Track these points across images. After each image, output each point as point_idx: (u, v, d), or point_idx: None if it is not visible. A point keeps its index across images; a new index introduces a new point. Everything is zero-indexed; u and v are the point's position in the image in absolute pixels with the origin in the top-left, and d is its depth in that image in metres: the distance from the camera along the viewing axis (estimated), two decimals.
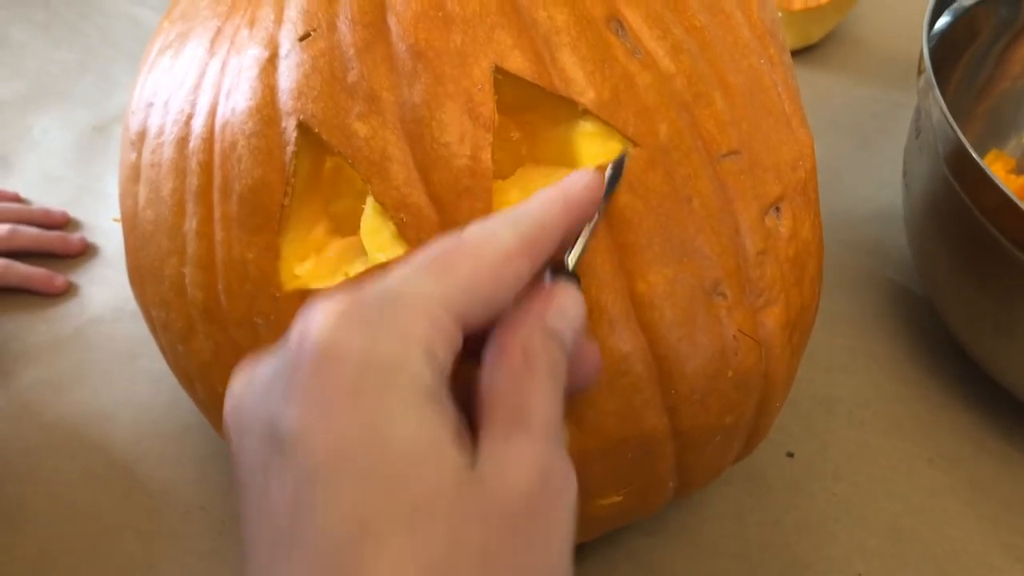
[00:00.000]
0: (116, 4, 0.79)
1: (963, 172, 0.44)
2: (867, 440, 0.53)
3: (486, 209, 0.31)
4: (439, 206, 0.31)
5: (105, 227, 0.63)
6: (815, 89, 0.73)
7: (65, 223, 0.62)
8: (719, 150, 0.33)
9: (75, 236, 0.61)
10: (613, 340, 0.32)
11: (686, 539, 0.48)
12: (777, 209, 0.35)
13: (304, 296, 0.32)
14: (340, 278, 0.32)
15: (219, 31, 0.36)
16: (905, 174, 0.53)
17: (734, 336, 0.34)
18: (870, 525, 0.49)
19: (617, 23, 0.32)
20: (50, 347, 0.56)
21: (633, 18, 0.32)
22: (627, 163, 0.31)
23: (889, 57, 0.76)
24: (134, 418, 0.53)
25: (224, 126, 0.33)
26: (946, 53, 0.52)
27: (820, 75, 0.74)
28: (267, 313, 0.33)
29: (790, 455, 0.52)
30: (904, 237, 0.57)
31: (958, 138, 0.44)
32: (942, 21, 0.53)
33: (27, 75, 0.73)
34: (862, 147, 0.69)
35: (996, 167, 0.60)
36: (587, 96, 0.31)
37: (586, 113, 0.31)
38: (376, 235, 0.32)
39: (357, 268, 0.32)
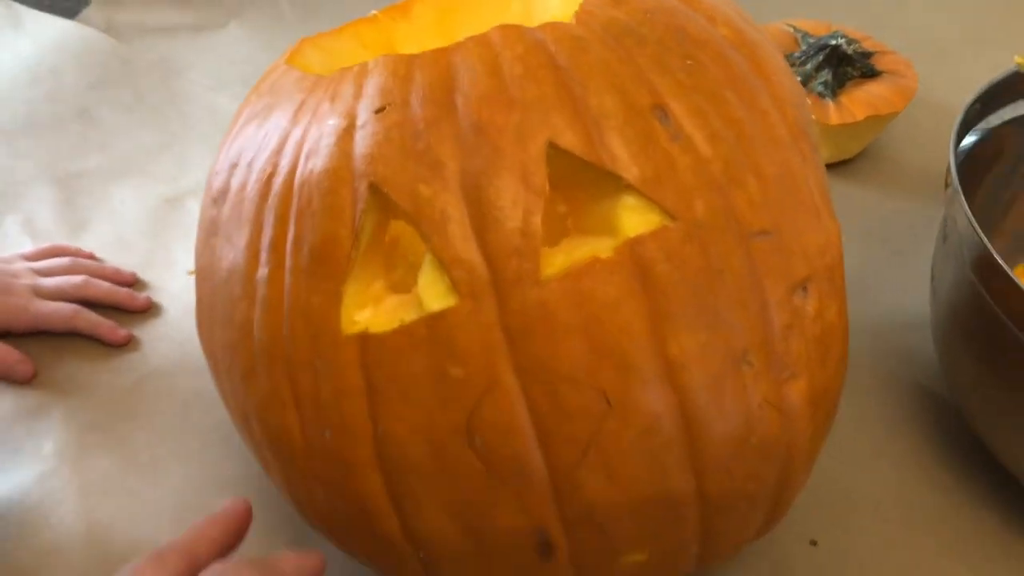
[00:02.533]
0: (197, 92, 0.85)
1: (988, 276, 0.47)
2: (891, 535, 0.53)
3: (534, 269, 0.34)
4: (491, 263, 0.34)
5: (170, 290, 0.67)
6: (851, 201, 0.76)
7: (133, 282, 0.67)
8: (751, 229, 0.36)
9: (141, 295, 0.65)
10: (646, 399, 0.35)
11: None
12: (804, 289, 0.38)
13: (362, 340, 0.35)
14: (396, 324, 0.35)
15: (303, 103, 0.40)
16: (933, 279, 0.56)
17: (759, 404, 0.37)
18: None
19: (661, 111, 0.35)
20: (109, 393, 0.60)
21: (676, 107, 0.36)
22: (666, 235, 0.34)
23: (921, 173, 0.79)
24: (183, 463, 0.55)
25: (302, 185, 0.37)
26: (972, 170, 0.54)
27: (855, 188, 0.77)
28: (327, 354, 0.36)
29: (814, 543, 0.53)
30: (931, 343, 0.59)
31: (983, 243, 0.46)
32: (968, 139, 0.56)
33: (111, 151, 0.79)
34: (893, 258, 0.71)
35: None
36: (631, 172, 0.34)
37: (629, 188, 0.35)
38: (432, 288, 0.35)
39: (412, 316, 0.35)
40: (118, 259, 0.69)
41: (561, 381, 0.34)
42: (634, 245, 0.34)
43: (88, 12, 0.92)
